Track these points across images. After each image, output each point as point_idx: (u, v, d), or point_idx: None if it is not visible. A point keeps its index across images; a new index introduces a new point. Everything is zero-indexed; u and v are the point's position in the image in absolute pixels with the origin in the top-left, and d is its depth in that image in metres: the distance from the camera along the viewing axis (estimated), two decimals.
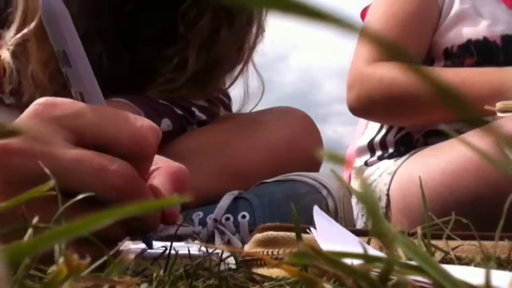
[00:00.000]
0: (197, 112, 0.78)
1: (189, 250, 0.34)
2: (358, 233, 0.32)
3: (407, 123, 0.96)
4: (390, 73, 0.87)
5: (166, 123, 0.72)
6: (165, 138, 0.74)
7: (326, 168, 0.81)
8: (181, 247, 0.36)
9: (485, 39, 0.93)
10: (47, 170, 0.25)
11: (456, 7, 0.96)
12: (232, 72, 0.80)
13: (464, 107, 0.11)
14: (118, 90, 0.70)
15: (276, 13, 0.09)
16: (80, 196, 0.25)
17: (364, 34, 0.10)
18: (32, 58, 0.67)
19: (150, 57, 0.75)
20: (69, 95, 0.35)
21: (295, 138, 0.78)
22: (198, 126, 0.79)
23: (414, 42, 0.94)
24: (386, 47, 0.10)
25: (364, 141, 1.05)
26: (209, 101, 0.82)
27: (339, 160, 0.14)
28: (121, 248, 0.37)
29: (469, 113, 0.11)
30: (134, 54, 0.76)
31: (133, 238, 0.36)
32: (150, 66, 0.75)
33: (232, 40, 0.75)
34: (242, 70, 0.80)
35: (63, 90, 0.67)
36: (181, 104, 0.75)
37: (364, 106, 0.92)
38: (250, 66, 0.82)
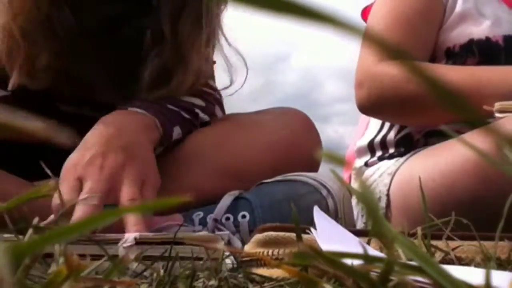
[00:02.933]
0: (200, 114, 0.78)
1: (192, 252, 0.34)
2: (358, 233, 0.32)
3: (418, 122, 0.95)
4: (403, 71, 0.86)
5: (177, 131, 0.73)
6: (174, 145, 0.75)
7: (326, 168, 0.81)
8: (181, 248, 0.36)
9: (488, 39, 0.93)
10: (48, 171, 0.25)
11: (459, 6, 0.96)
12: (205, 46, 0.80)
13: (464, 107, 0.11)
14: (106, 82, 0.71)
15: (276, 15, 0.09)
16: (82, 197, 0.25)
17: (368, 37, 0.10)
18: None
19: (127, 31, 0.76)
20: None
21: (295, 138, 0.78)
22: (201, 127, 0.80)
23: (420, 40, 0.94)
24: (389, 50, 0.10)
25: (364, 142, 1.05)
26: (205, 100, 0.82)
27: (338, 160, 0.14)
28: (121, 248, 0.37)
29: (469, 113, 0.11)
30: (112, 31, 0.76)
31: None
32: (130, 42, 0.75)
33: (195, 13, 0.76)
34: (210, 38, 0.79)
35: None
36: (186, 107, 0.76)
37: (374, 104, 0.91)
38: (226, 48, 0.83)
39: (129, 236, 0.40)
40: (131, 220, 0.54)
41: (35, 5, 0.68)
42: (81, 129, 0.75)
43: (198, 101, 0.79)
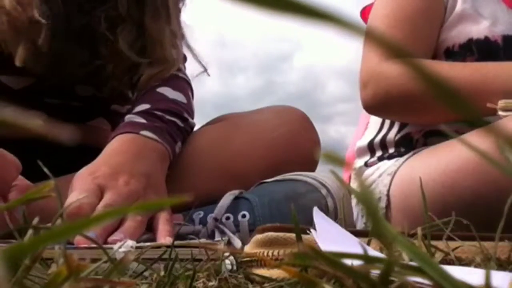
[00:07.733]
0: (190, 120, 0.78)
1: (191, 253, 0.34)
2: (358, 234, 0.32)
3: (424, 120, 0.94)
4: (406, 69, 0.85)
5: (178, 146, 0.74)
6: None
7: (326, 168, 0.81)
8: (182, 248, 0.36)
9: (486, 38, 0.93)
10: (49, 173, 0.25)
11: (458, 6, 0.96)
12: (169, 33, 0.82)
13: (464, 106, 0.11)
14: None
15: (279, 14, 0.09)
16: (82, 196, 0.25)
17: (371, 36, 0.10)
18: None
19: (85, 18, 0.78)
20: None
21: (292, 136, 0.78)
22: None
23: (422, 39, 0.94)
24: (392, 49, 0.10)
25: (364, 142, 1.05)
26: (184, 93, 0.82)
27: (338, 161, 0.14)
28: (121, 248, 0.37)
29: (470, 113, 0.11)
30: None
31: None
32: (89, 30, 0.78)
33: None
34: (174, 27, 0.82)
35: None
36: (178, 113, 0.76)
37: (380, 103, 0.91)
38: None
39: (126, 242, 0.40)
40: (130, 225, 0.54)
41: None
42: (67, 119, 0.79)
43: (181, 97, 0.80)
